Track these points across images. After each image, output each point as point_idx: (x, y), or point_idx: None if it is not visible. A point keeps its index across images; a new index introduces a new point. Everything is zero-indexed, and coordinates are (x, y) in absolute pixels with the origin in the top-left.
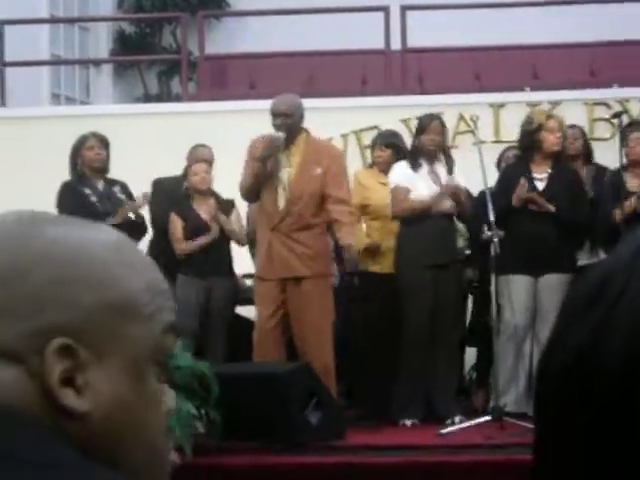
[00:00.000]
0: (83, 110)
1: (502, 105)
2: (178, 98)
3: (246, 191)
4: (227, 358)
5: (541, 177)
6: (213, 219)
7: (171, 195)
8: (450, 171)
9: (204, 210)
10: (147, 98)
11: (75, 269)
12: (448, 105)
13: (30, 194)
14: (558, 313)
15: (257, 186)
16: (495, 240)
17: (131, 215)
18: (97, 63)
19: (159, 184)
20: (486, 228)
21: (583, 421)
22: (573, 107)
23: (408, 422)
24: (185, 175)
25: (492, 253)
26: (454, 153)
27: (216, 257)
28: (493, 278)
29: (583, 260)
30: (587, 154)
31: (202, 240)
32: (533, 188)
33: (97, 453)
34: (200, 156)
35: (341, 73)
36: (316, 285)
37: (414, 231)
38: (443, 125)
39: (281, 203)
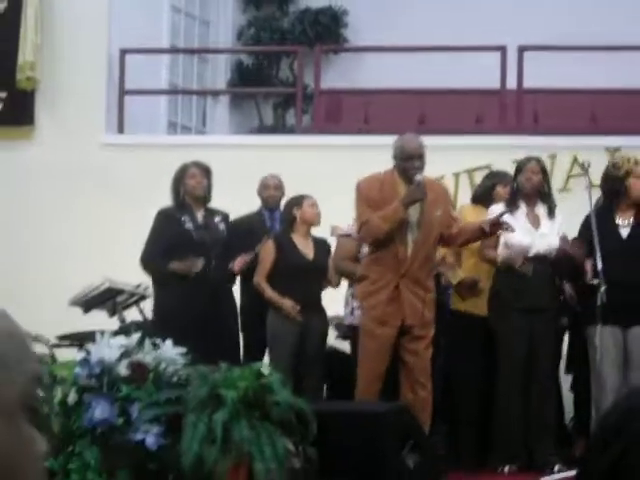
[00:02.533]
0: (199, 140)
1: (617, 149)
2: (292, 130)
3: (383, 235)
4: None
5: (624, 224)
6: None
7: (250, 233)
8: (551, 213)
9: (303, 245)
10: (262, 129)
11: None
12: (562, 147)
13: (142, 220)
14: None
15: (393, 232)
16: (602, 289)
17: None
18: (214, 93)
19: (235, 225)
20: (591, 275)
21: None
22: None
23: (506, 469)
24: (287, 207)
25: (598, 302)
26: (566, 196)
27: (313, 292)
28: (599, 328)
29: None
30: None
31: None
32: (617, 235)
33: None
34: (275, 184)
35: (455, 111)
36: (432, 328)
37: (510, 274)
38: (542, 167)
39: (410, 248)
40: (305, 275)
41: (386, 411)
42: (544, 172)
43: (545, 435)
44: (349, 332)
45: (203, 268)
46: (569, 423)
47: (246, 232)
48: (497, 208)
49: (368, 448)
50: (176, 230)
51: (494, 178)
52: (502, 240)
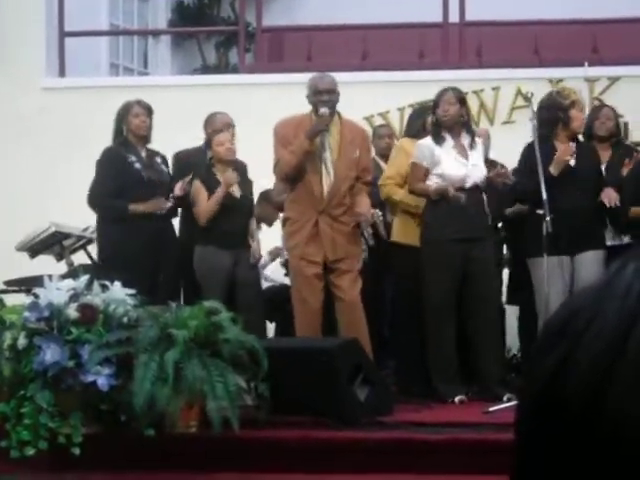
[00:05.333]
0: (141, 81)
1: (560, 80)
2: (236, 70)
3: (291, 170)
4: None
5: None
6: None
7: (195, 167)
8: (473, 145)
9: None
10: (205, 69)
11: None
12: (505, 79)
13: (88, 163)
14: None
15: (302, 166)
16: (547, 219)
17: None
18: (156, 34)
19: (179, 157)
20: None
21: (551, 440)
22: (632, 83)
23: (456, 399)
24: (206, 146)
25: (544, 231)
26: (510, 128)
27: (240, 228)
28: (546, 257)
29: (608, 241)
30: (617, 135)
31: (219, 194)
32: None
33: None
34: (222, 123)
35: (398, 46)
36: (358, 262)
37: (442, 204)
38: (460, 97)
39: (326, 185)
40: (232, 212)
41: (336, 346)
42: (462, 102)
43: (492, 364)
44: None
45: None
46: (516, 354)
47: (188, 165)
48: (423, 142)
49: (319, 383)
50: (125, 169)
51: (422, 111)
52: (433, 172)
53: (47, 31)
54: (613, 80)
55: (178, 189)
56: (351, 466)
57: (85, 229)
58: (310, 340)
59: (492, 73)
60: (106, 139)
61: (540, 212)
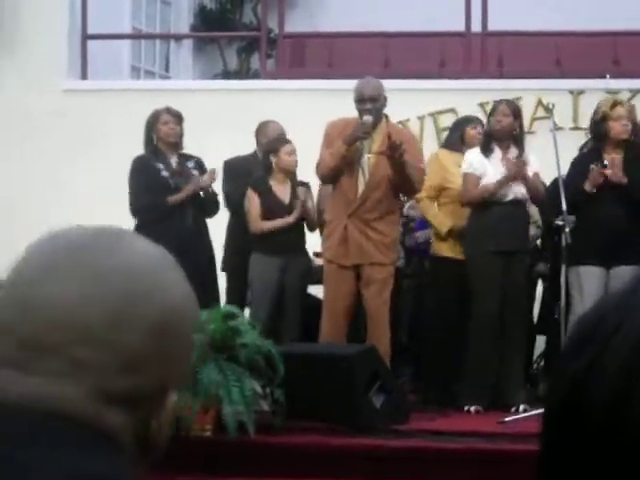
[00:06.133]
0: (162, 84)
1: (581, 92)
2: (257, 75)
3: (328, 172)
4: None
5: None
6: (301, 203)
7: (246, 174)
8: (519, 156)
9: (281, 191)
10: (226, 74)
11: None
12: (527, 90)
13: (109, 166)
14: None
15: (340, 169)
16: (567, 230)
17: (201, 192)
18: (178, 38)
19: (230, 164)
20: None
21: (574, 449)
22: None
23: (472, 408)
24: (265, 153)
25: (563, 242)
26: (530, 139)
27: (292, 236)
28: (563, 268)
29: None
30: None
31: (281, 222)
32: (605, 175)
33: None
34: (277, 132)
35: (420, 55)
36: (389, 272)
37: (483, 216)
38: (515, 110)
39: (360, 189)
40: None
41: (353, 353)
42: (516, 115)
43: (513, 375)
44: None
45: (181, 213)
46: (536, 362)
47: (240, 173)
48: (471, 152)
49: (336, 390)
50: (152, 178)
51: (461, 123)
52: (482, 182)
53: (69, 33)
54: (634, 93)
55: (206, 178)
56: (366, 474)
57: None
58: (327, 347)
59: (513, 83)
60: (127, 142)
61: (560, 223)
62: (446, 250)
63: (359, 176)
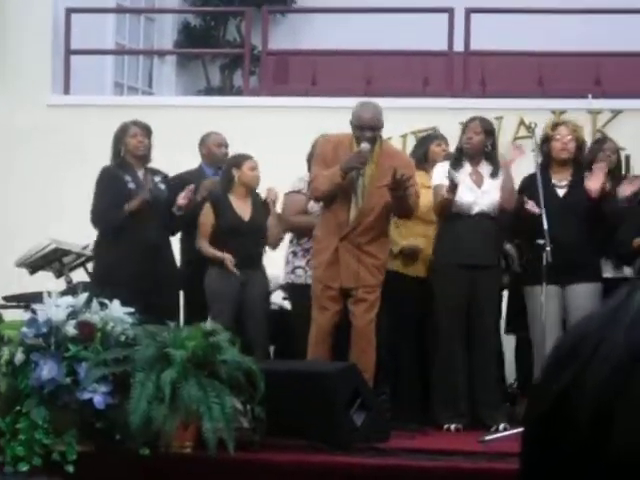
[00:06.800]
0: (146, 100)
1: (563, 112)
2: (240, 92)
3: (322, 195)
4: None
5: (561, 185)
6: (271, 201)
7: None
8: (494, 173)
9: (241, 207)
10: (209, 91)
11: None
12: (509, 109)
13: (89, 181)
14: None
15: (334, 193)
16: (547, 249)
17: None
18: (161, 54)
19: (175, 180)
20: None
21: (554, 467)
22: (635, 116)
23: (452, 427)
24: (228, 167)
25: (544, 262)
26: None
27: (250, 250)
28: (544, 287)
29: (608, 273)
30: (619, 167)
31: (221, 255)
32: (554, 194)
33: None
34: (217, 143)
35: (402, 73)
36: (378, 293)
37: (450, 230)
38: (487, 127)
39: (353, 213)
40: (242, 235)
41: (334, 370)
42: (488, 132)
43: (490, 393)
44: (291, 291)
45: (144, 227)
46: (512, 383)
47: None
48: (442, 166)
49: (316, 407)
50: (120, 190)
51: (425, 140)
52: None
53: (53, 48)
54: (616, 113)
55: (182, 197)
56: None
57: (85, 247)
58: (308, 364)
59: (495, 102)
60: (108, 157)
61: (540, 242)
62: (397, 266)
63: (352, 200)
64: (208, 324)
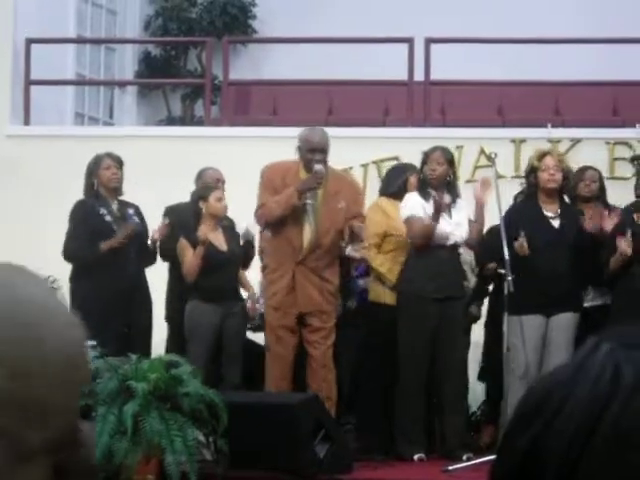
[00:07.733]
0: (107, 131)
1: (523, 140)
2: (201, 122)
3: (274, 220)
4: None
5: (554, 216)
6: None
7: (182, 223)
8: (454, 202)
9: (215, 238)
10: (170, 121)
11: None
12: (469, 139)
13: (51, 212)
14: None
15: (284, 217)
16: (509, 278)
17: (149, 241)
18: (122, 84)
19: (173, 211)
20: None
21: None
22: (594, 145)
23: (416, 457)
24: (195, 200)
25: (505, 292)
26: (472, 187)
27: (228, 282)
28: (505, 317)
29: (588, 302)
30: (603, 196)
31: (199, 251)
32: (549, 226)
33: None
34: (215, 178)
35: (363, 103)
36: (333, 319)
37: (423, 260)
38: (448, 157)
39: (306, 237)
40: (220, 266)
41: (297, 402)
42: (450, 162)
43: (455, 425)
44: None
45: (122, 261)
46: (478, 410)
47: (178, 220)
48: (411, 196)
49: (279, 439)
50: (96, 222)
51: (402, 171)
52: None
53: (13, 79)
54: (575, 142)
55: (155, 232)
56: None
57: (46, 279)
58: (270, 395)
59: (456, 132)
60: (69, 188)
61: (502, 271)
62: (387, 297)
63: (305, 224)
64: (170, 356)
